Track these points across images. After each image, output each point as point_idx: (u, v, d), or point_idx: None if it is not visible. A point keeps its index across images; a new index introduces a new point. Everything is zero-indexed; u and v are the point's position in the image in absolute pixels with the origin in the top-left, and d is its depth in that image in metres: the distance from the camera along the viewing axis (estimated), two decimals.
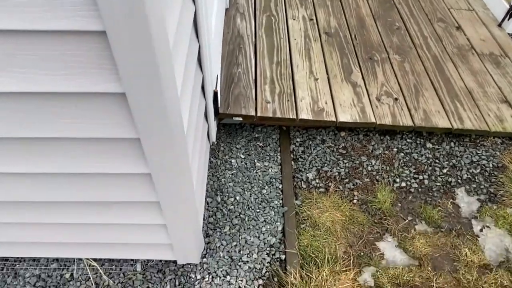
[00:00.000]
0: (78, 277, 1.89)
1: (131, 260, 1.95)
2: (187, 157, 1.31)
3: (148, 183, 1.32)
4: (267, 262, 2.01)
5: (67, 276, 1.89)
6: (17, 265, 1.92)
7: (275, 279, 1.94)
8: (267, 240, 2.09)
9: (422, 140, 2.59)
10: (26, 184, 1.35)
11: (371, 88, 2.69)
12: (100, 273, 1.89)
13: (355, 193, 2.31)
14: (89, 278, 1.88)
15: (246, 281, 1.94)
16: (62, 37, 0.89)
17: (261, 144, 2.56)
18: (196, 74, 1.71)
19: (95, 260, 1.93)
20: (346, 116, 2.46)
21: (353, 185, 2.35)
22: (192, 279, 1.92)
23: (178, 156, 1.25)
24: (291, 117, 2.42)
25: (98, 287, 1.86)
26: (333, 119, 2.44)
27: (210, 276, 1.94)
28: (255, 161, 2.46)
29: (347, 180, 2.37)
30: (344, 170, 2.42)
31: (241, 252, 2.04)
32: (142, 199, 1.39)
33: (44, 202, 1.45)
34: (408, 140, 2.58)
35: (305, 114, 2.44)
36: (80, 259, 1.93)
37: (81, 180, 1.31)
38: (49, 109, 1.06)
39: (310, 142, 2.57)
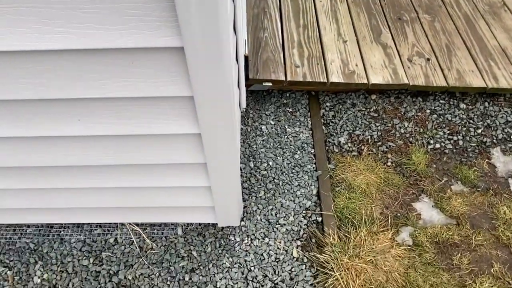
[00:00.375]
0: (122, 241, 1.94)
1: (172, 224, 1.99)
2: (235, 117, 1.30)
3: (197, 144, 1.33)
4: (304, 225, 2.03)
5: (111, 240, 1.95)
6: (62, 232, 1.98)
7: (313, 240, 1.97)
8: (303, 204, 2.10)
9: (455, 101, 2.53)
10: (72, 148, 1.37)
11: (401, 49, 2.62)
12: (143, 237, 1.94)
13: (389, 155, 2.29)
14: (133, 242, 1.93)
15: (285, 242, 1.97)
16: None
17: (290, 110, 2.54)
18: (232, 36, 1.68)
19: (137, 224, 1.97)
20: (378, 78, 2.41)
21: (387, 147, 2.33)
22: (232, 241, 1.96)
23: (227, 116, 1.24)
24: (321, 80, 2.38)
25: (142, 250, 1.91)
26: (365, 81, 2.39)
27: (249, 239, 1.97)
28: (286, 126, 2.45)
29: (380, 143, 2.35)
30: (377, 133, 2.39)
31: (278, 215, 2.06)
32: (190, 161, 1.40)
33: (89, 166, 1.46)
34: (441, 101, 2.53)
35: (336, 77, 2.39)
36: (123, 225, 1.98)
37: (130, 143, 1.32)
38: (104, 67, 1.04)
39: (340, 106, 2.53)
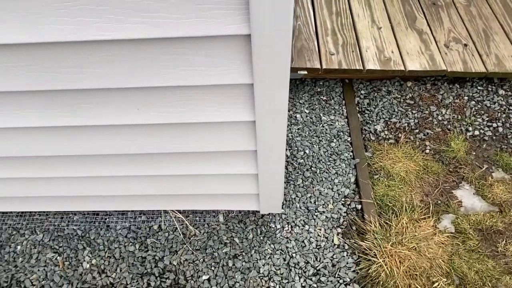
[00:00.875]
0: (166, 228, 1.99)
1: (213, 211, 2.03)
2: (286, 104, 1.31)
3: (250, 131, 1.34)
4: (344, 212, 2.04)
5: (155, 227, 2.00)
6: (107, 219, 2.04)
7: (353, 227, 1.98)
8: (341, 191, 2.11)
9: (493, 87, 2.48)
10: (129, 137, 1.40)
11: (438, 34, 2.57)
12: (186, 224, 1.98)
13: (427, 143, 2.27)
14: (176, 228, 1.98)
15: (325, 230, 1.98)
16: None
17: (324, 98, 2.53)
18: None
19: (179, 212, 2.01)
20: (415, 64, 2.38)
21: (424, 135, 2.31)
22: (273, 229, 1.98)
23: (283, 103, 1.25)
24: (357, 68, 2.36)
25: (186, 237, 1.96)
26: (402, 68, 2.36)
27: (289, 226, 2.00)
28: (321, 115, 2.45)
29: (417, 130, 2.33)
30: (414, 121, 2.37)
31: (316, 203, 2.08)
32: (242, 148, 1.41)
33: (143, 154, 1.50)
34: (479, 88, 2.48)
35: (372, 64, 2.37)
36: (166, 212, 2.02)
37: (188, 131, 1.34)
38: (168, 56, 1.06)
39: (375, 94, 2.51)
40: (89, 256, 1.92)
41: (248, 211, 2.03)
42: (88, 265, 1.90)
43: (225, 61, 1.07)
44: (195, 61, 1.06)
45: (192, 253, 1.90)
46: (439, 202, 2.04)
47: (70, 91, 1.22)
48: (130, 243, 1.95)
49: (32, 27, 0.98)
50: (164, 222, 2.00)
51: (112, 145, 1.42)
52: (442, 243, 1.85)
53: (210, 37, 1.00)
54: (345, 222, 2.00)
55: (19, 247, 1.97)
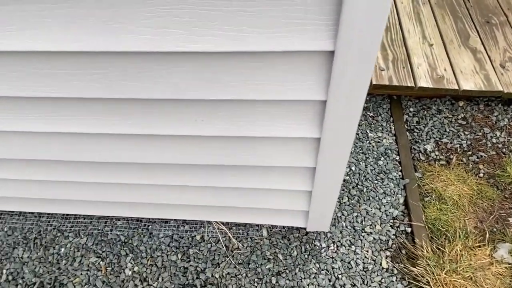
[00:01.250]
0: (208, 239, 1.96)
1: (256, 225, 1.99)
2: (357, 124, 1.27)
3: (312, 148, 1.30)
4: (392, 234, 1.96)
5: (198, 237, 1.97)
6: (150, 226, 2.03)
7: (403, 251, 1.89)
8: (389, 212, 2.03)
9: None
10: (184, 147, 1.39)
11: (492, 54, 2.47)
12: (229, 236, 1.95)
13: (481, 166, 2.17)
14: (219, 240, 1.95)
15: (372, 252, 1.91)
16: None
17: (371, 114, 2.46)
18: None
19: (222, 223, 1.98)
20: (469, 84, 2.29)
21: (478, 158, 2.20)
22: (318, 247, 1.92)
23: (353, 122, 1.20)
24: (408, 85, 2.29)
25: (228, 250, 1.92)
26: (455, 87, 2.27)
27: (335, 245, 1.93)
28: (367, 131, 2.38)
29: (470, 152, 2.23)
30: (466, 142, 2.27)
31: (363, 223, 2.00)
32: (300, 165, 1.37)
33: (196, 165, 1.48)
34: None
35: (424, 81, 2.30)
36: (209, 223, 2.00)
37: (247, 144, 1.31)
38: (240, 71, 1.04)
39: (425, 112, 2.43)
40: (131, 263, 1.91)
41: (292, 227, 1.98)
42: (130, 272, 1.89)
43: (301, 76, 1.04)
44: (270, 75, 1.04)
45: (235, 267, 1.87)
46: (495, 229, 1.93)
47: (137, 100, 1.21)
48: (173, 252, 1.93)
49: (112, 36, 0.98)
50: (207, 233, 1.98)
51: (164, 155, 1.41)
52: (500, 274, 1.75)
53: (291, 52, 0.97)
54: (394, 245, 1.92)
55: (63, 249, 1.98)
